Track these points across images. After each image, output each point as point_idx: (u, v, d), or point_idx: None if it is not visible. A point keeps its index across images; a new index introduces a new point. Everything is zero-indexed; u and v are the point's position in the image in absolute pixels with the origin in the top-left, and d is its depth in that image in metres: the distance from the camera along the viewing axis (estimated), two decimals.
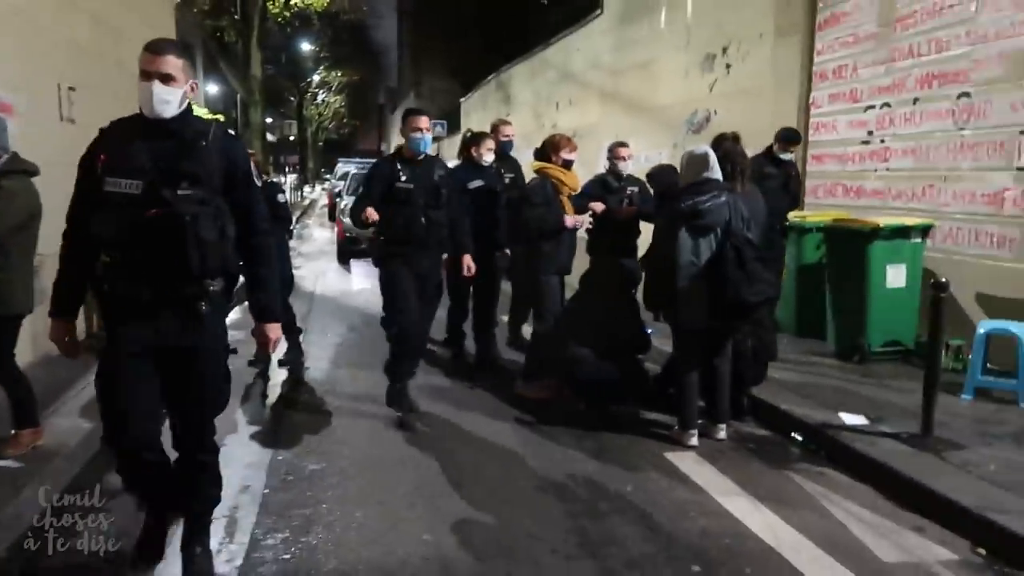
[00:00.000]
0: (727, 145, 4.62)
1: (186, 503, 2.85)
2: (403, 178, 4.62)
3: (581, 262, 5.65)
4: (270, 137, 33.54)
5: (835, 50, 7.20)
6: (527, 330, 6.30)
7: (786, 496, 3.67)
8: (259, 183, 5.68)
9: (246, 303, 3.07)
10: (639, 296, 4.84)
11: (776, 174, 6.00)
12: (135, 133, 2.54)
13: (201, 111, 19.75)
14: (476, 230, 5.28)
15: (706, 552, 3.10)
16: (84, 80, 6.47)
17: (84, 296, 2.71)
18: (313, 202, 32.14)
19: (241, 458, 4.11)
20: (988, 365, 4.93)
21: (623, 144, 6.03)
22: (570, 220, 5.21)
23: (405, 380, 4.83)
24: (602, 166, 6.19)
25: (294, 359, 6.07)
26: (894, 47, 6.42)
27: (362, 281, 11.00)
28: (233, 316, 6.42)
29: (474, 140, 5.81)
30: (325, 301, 9.32)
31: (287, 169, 36.71)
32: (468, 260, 5.01)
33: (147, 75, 2.48)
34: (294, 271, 6.92)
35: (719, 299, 4.21)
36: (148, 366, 2.58)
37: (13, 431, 3.79)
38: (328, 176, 31.98)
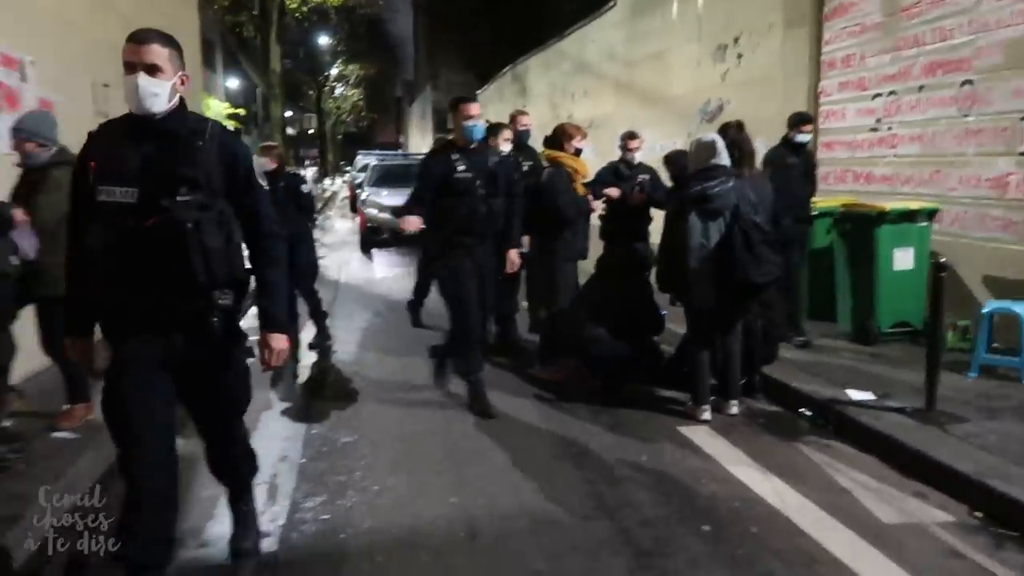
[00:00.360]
0: (732, 133, 4.79)
1: (227, 479, 2.85)
2: (461, 167, 4.53)
3: (595, 248, 5.86)
4: (290, 131, 33.95)
5: (843, 40, 7.33)
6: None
7: (794, 465, 3.87)
8: (261, 179, 5.91)
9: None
10: (652, 279, 5.04)
11: (797, 162, 6.02)
12: (125, 135, 2.33)
13: (222, 106, 20.01)
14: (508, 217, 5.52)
15: (716, 513, 3.31)
16: (117, 77, 6.73)
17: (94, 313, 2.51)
18: (334, 194, 32.47)
19: (278, 432, 4.39)
20: (993, 344, 5.09)
21: (634, 136, 6.24)
22: (597, 203, 5.47)
23: (479, 374, 4.75)
24: (616, 155, 6.38)
25: (321, 342, 6.35)
26: (900, 36, 6.55)
27: (384, 270, 11.28)
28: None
29: (491, 131, 6.02)
30: (350, 289, 9.58)
31: (307, 162, 37.09)
32: (513, 255, 4.93)
33: (131, 67, 2.25)
34: (319, 260, 7.18)
35: (728, 280, 4.40)
36: (158, 383, 2.40)
37: (67, 406, 4.07)
38: (348, 168, 32.29)
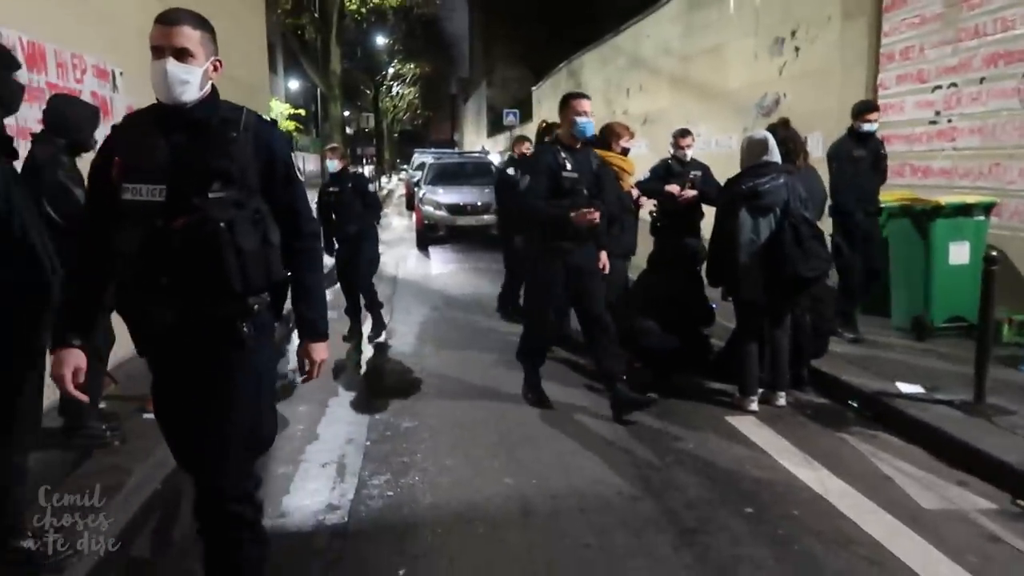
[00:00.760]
0: (781, 131, 4.88)
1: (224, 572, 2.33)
2: (568, 167, 4.43)
3: (645, 244, 5.99)
4: (348, 130, 34.71)
5: (902, 31, 7.28)
6: None
7: (838, 454, 3.97)
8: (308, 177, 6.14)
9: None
10: (703, 273, 5.16)
11: (864, 155, 5.79)
12: (153, 127, 2.13)
13: (282, 107, 20.63)
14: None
15: (758, 497, 3.45)
16: None
17: (96, 323, 2.32)
18: (390, 192, 33.14)
19: (343, 417, 4.68)
20: None
21: (686, 133, 6.33)
22: (644, 200, 5.59)
23: (618, 379, 4.59)
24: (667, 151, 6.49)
25: (377, 334, 6.65)
26: (960, 27, 6.49)
27: (441, 266, 11.58)
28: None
29: (549, 130, 6.21)
30: (407, 284, 9.90)
31: (364, 160, 37.85)
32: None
33: (158, 51, 2.06)
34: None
35: (777, 274, 4.51)
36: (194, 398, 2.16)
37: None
38: (404, 167, 32.89)
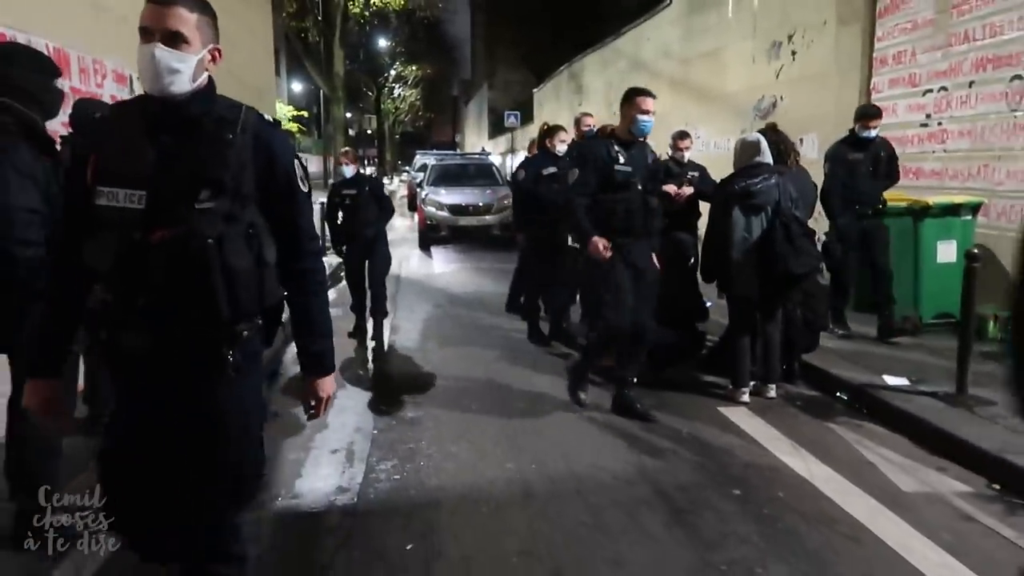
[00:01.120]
0: (770, 135, 5.07)
1: None
2: (622, 161, 4.32)
3: None
4: (350, 131, 34.94)
5: (895, 36, 7.46)
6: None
7: (825, 442, 4.15)
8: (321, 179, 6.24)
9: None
10: (698, 270, 5.35)
11: (862, 159, 5.84)
12: (137, 123, 1.85)
13: (285, 108, 20.79)
14: (552, 214, 5.88)
15: (746, 481, 3.64)
16: None
17: (70, 348, 2.05)
18: (392, 193, 33.29)
19: (351, 407, 4.86)
20: None
21: (684, 136, 6.52)
22: (670, 187, 5.71)
23: (629, 384, 4.61)
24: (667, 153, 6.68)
25: (379, 337, 6.66)
26: (951, 32, 6.67)
27: (443, 266, 11.76)
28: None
29: (549, 132, 6.41)
30: (410, 283, 10.08)
31: (366, 162, 38.09)
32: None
33: (147, 34, 1.79)
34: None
35: (769, 270, 4.69)
36: (168, 440, 1.91)
37: None
38: (406, 168, 33.09)
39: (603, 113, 17.49)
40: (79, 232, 1.86)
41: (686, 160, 6.41)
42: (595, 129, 6.74)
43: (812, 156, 8.44)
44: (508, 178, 14.00)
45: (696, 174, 6.21)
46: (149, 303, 1.81)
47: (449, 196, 14.12)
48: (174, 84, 1.81)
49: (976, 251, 4.41)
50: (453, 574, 2.84)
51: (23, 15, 4.07)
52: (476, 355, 6.12)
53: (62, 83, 2.94)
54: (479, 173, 15.74)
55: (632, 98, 4.40)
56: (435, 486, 3.63)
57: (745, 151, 4.91)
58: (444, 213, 13.89)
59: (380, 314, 6.74)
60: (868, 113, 6.06)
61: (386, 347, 6.50)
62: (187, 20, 1.82)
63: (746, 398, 4.82)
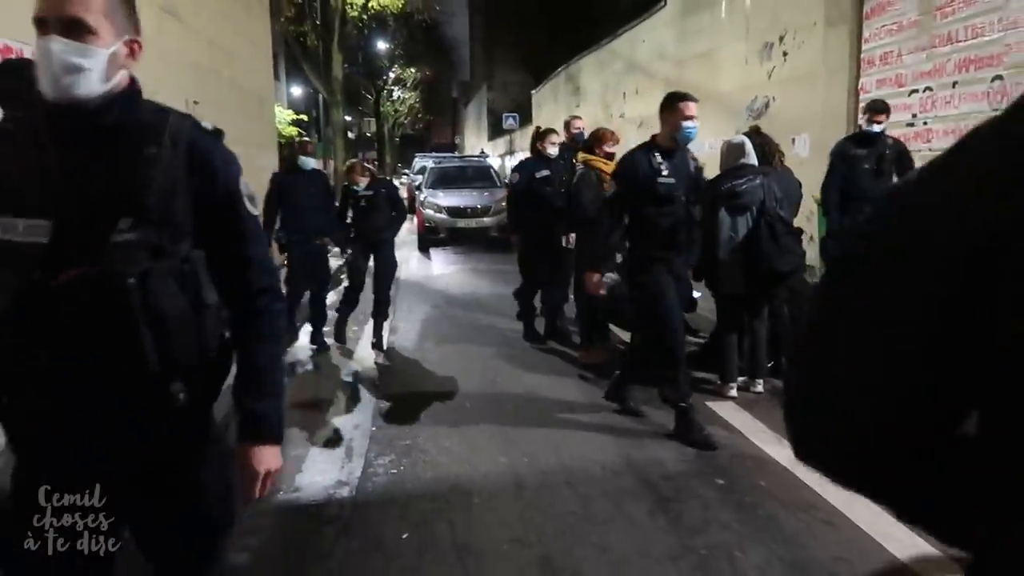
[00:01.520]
0: (754, 137, 5.20)
1: None
2: (665, 172, 4.13)
3: None
4: (350, 134, 35.13)
5: (881, 38, 7.60)
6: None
7: None
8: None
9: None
10: None
11: (864, 155, 5.76)
12: (36, 134, 1.48)
13: (285, 113, 20.83)
14: (545, 215, 6.03)
15: (730, 470, 3.78)
16: (204, 95, 7.53)
17: None
18: None
19: (349, 406, 5.01)
20: None
21: None
22: None
23: (689, 399, 4.32)
24: None
25: (379, 341, 6.62)
26: (934, 34, 6.81)
27: (441, 267, 11.91)
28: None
29: (540, 135, 6.55)
30: (409, 285, 10.23)
31: (367, 163, 38.20)
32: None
33: (42, 25, 1.45)
34: None
35: (755, 269, 4.83)
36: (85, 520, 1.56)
37: None
38: (406, 171, 33.26)
39: (600, 115, 17.67)
40: None
41: None
42: (584, 132, 6.92)
43: (804, 155, 8.59)
44: (507, 180, 14.16)
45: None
46: (55, 358, 1.45)
47: (447, 198, 14.27)
48: (78, 85, 1.44)
49: None
50: (446, 561, 2.98)
51: (25, 28, 4.20)
52: (472, 353, 6.26)
53: None
54: (477, 175, 15.88)
55: (675, 103, 4.18)
56: (431, 479, 3.78)
57: (731, 153, 5.05)
58: (442, 215, 14.04)
59: (382, 316, 6.80)
60: (874, 107, 6.04)
61: (385, 347, 6.63)
62: (91, 4, 1.43)
63: (734, 393, 4.95)
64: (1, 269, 1.44)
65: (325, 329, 6.52)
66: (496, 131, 36.10)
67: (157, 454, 1.58)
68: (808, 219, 7.05)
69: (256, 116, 10.26)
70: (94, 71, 1.45)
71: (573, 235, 6.33)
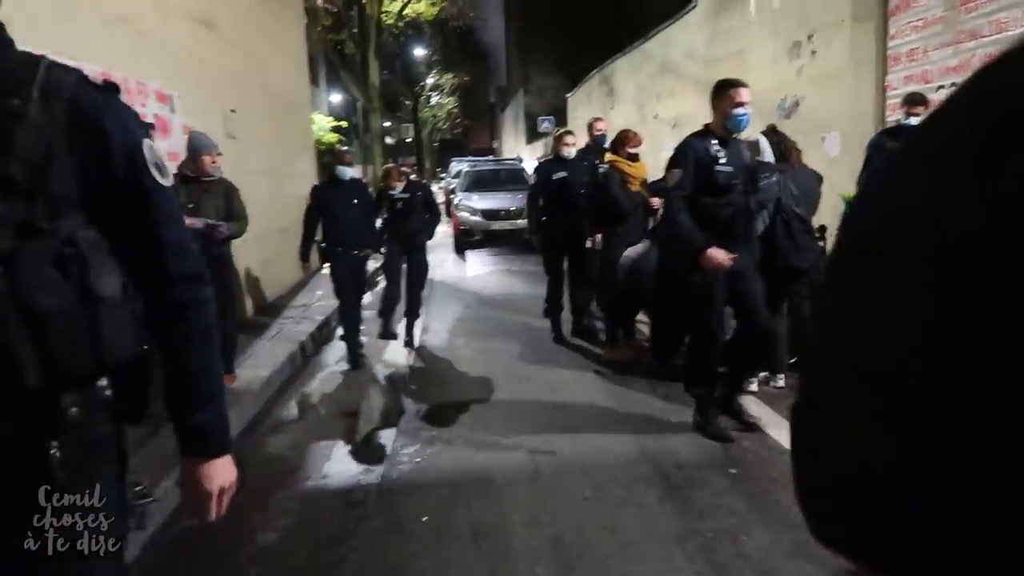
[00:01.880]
0: (770, 137, 5.26)
1: None
2: (722, 160, 3.98)
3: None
4: (388, 140, 35.65)
5: (907, 34, 7.57)
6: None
7: None
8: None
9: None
10: None
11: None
12: None
13: (325, 120, 21.33)
14: (566, 215, 6.16)
15: (744, 462, 3.87)
16: (240, 103, 7.83)
17: None
18: None
19: (379, 399, 5.21)
20: None
21: None
22: (655, 200, 5.88)
23: (744, 389, 4.35)
24: None
25: (411, 340, 6.75)
26: (959, 30, 6.77)
27: (476, 269, 12.10)
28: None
29: (557, 138, 6.69)
30: (444, 286, 10.44)
31: (404, 169, 38.72)
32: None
33: None
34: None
35: (772, 265, 4.90)
36: None
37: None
38: (444, 175, 33.63)
39: (634, 116, 17.72)
40: None
41: None
42: (606, 133, 7.04)
43: (834, 154, 8.57)
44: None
45: None
46: None
47: (482, 201, 14.48)
48: None
49: None
50: (461, 539, 3.14)
51: (75, 44, 4.49)
52: (500, 351, 6.42)
53: None
54: (510, 178, 16.08)
55: (725, 90, 4.02)
56: (452, 467, 3.94)
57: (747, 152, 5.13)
58: (477, 218, 14.25)
59: (414, 316, 6.91)
60: (912, 99, 6.01)
61: (416, 344, 6.83)
62: None
63: (754, 387, 5.02)
64: None
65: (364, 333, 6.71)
66: (533, 134, 36.27)
67: (40, 484, 1.25)
68: (837, 216, 7.06)
69: (291, 122, 10.58)
70: None
71: (599, 236, 6.45)
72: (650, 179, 6.28)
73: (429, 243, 6.82)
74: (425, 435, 4.45)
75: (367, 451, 4.25)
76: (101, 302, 1.27)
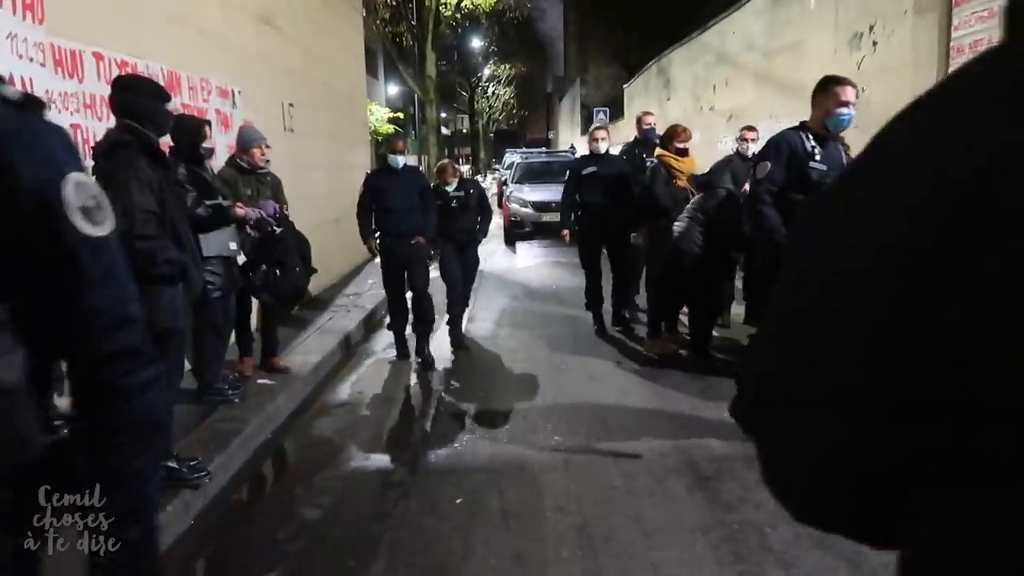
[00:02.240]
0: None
1: None
2: (818, 157, 3.92)
3: None
4: (445, 131, 36.01)
5: (971, 24, 7.35)
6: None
7: None
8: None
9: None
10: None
11: None
12: None
13: (383, 111, 21.64)
14: (598, 210, 6.21)
15: None
16: (299, 98, 8.09)
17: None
18: (486, 190, 34.05)
19: (421, 386, 5.38)
20: None
21: (750, 128, 6.71)
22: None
23: None
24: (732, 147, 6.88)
25: (459, 343, 6.53)
26: None
27: (525, 260, 12.21)
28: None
29: (590, 134, 6.73)
30: (492, 277, 10.57)
31: (460, 160, 39.09)
32: None
33: None
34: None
35: None
36: None
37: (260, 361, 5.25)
38: (497, 166, 33.84)
39: (690, 107, 17.56)
40: None
41: (751, 153, 6.58)
42: (655, 127, 7.04)
43: None
44: None
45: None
46: None
47: (533, 193, 14.56)
48: None
49: None
50: (492, 522, 3.27)
51: (140, 44, 4.75)
52: (543, 340, 6.52)
53: (172, 104, 3.53)
54: (563, 170, 16.03)
55: (830, 87, 3.91)
56: (488, 454, 4.07)
57: None
58: (528, 210, 14.35)
59: (459, 307, 6.91)
60: None
61: (463, 330, 6.97)
62: None
63: None
64: None
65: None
66: (588, 125, 36.14)
67: None
68: None
69: (348, 115, 10.85)
70: None
71: (640, 231, 6.46)
72: (699, 173, 6.27)
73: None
74: (463, 422, 4.59)
75: (407, 436, 4.42)
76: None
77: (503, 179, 18.40)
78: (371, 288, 8.40)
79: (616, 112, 28.46)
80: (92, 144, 3.62)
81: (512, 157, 21.14)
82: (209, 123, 4.50)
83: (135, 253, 3.14)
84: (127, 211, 3.10)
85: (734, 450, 3.98)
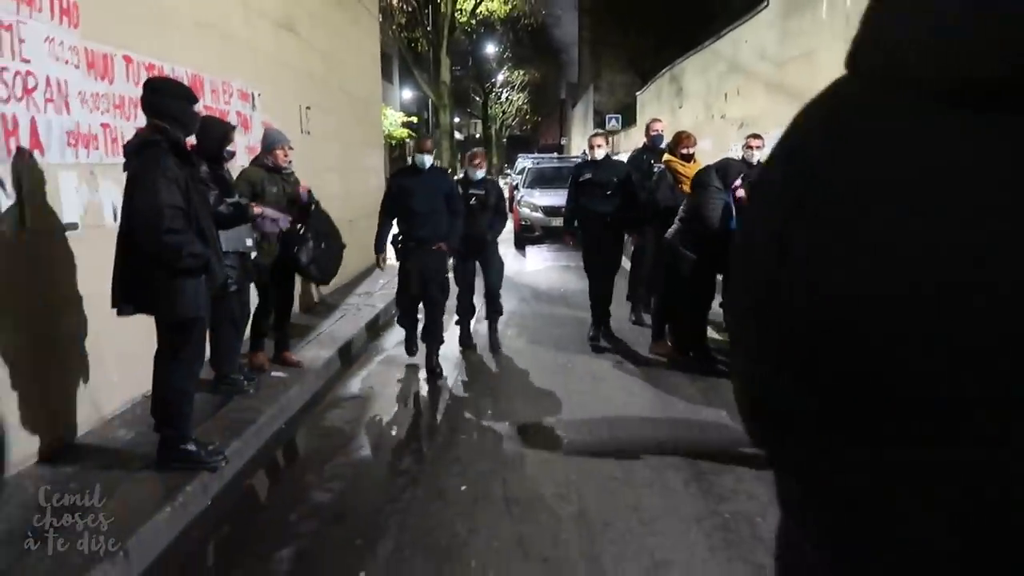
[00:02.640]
0: None
1: None
2: None
3: None
4: (458, 136, 36.24)
5: None
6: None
7: None
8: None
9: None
10: None
11: None
12: None
13: (397, 115, 21.85)
14: (600, 215, 6.33)
15: None
16: (316, 101, 8.29)
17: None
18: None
19: (427, 385, 5.53)
20: None
21: (756, 136, 6.84)
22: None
23: None
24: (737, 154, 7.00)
25: (494, 332, 6.88)
26: None
27: (535, 264, 12.38)
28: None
29: (588, 141, 6.88)
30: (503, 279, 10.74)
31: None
32: None
33: None
34: None
35: None
36: None
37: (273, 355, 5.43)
38: (509, 171, 34.03)
39: (702, 115, 17.69)
40: None
41: (756, 161, 6.70)
42: (663, 134, 7.18)
43: None
44: None
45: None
46: None
47: (543, 198, 14.73)
48: None
49: None
50: (494, 508, 3.42)
51: (167, 48, 4.95)
52: (549, 340, 6.67)
53: (198, 106, 3.72)
54: None
55: None
56: (492, 445, 4.23)
57: None
58: (538, 214, 14.51)
59: (496, 314, 6.95)
60: None
61: (472, 334, 7.13)
62: None
63: None
64: None
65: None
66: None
67: None
68: None
69: (363, 119, 11.05)
70: None
71: (633, 234, 6.58)
72: None
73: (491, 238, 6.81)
74: (469, 415, 4.75)
75: (415, 428, 4.58)
76: None
77: (514, 184, 18.57)
78: (382, 288, 8.58)
79: (628, 119, 28.60)
80: (122, 143, 3.81)
81: (525, 162, 21.31)
82: (234, 128, 4.70)
83: (163, 247, 3.32)
84: (157, 207, 3.28)
85: (734, 447, 4.11)
